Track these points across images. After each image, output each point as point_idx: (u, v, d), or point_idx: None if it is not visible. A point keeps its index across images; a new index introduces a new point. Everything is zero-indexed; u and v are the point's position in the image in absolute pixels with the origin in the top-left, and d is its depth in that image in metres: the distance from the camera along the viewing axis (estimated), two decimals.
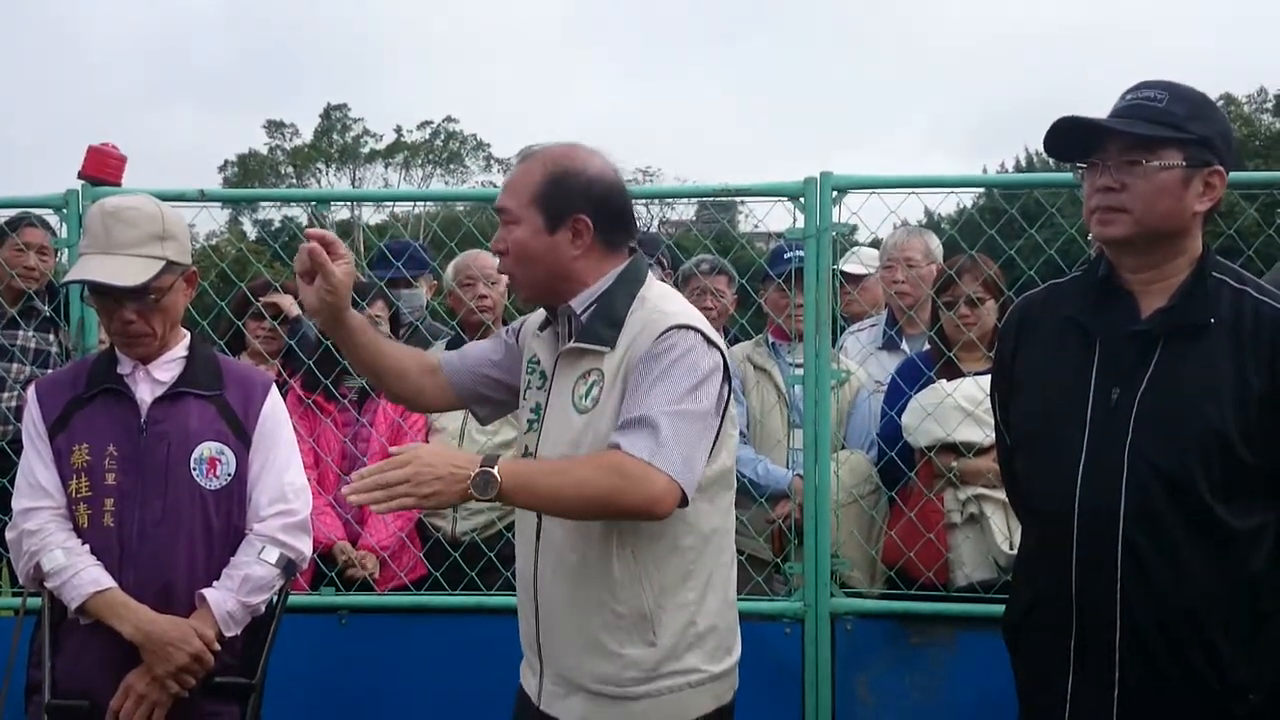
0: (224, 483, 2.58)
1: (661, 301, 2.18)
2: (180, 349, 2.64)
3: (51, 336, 4.29)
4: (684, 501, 2.01)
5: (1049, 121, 2.13)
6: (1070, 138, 2.16)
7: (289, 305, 4.32)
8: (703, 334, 2.10)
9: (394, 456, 1.92)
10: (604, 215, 2.18)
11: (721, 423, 2.15)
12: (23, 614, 2.82)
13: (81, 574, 2.47)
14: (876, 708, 3.41)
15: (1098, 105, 2.20)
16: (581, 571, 2.13)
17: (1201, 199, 2.12)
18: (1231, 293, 2.12)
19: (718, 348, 2.13)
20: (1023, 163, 37.95)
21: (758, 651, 3.28)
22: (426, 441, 3.81)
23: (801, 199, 3.40)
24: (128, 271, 2.50)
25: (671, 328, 2.09)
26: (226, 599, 2.53)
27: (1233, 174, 2.17)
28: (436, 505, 1.95)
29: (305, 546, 2.68)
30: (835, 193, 3.38)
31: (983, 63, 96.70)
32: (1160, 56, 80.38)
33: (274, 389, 2.73)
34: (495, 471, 1.91)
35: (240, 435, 2.61)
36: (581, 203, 2.16)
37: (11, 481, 3.58)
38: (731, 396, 2.20)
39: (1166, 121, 2.08)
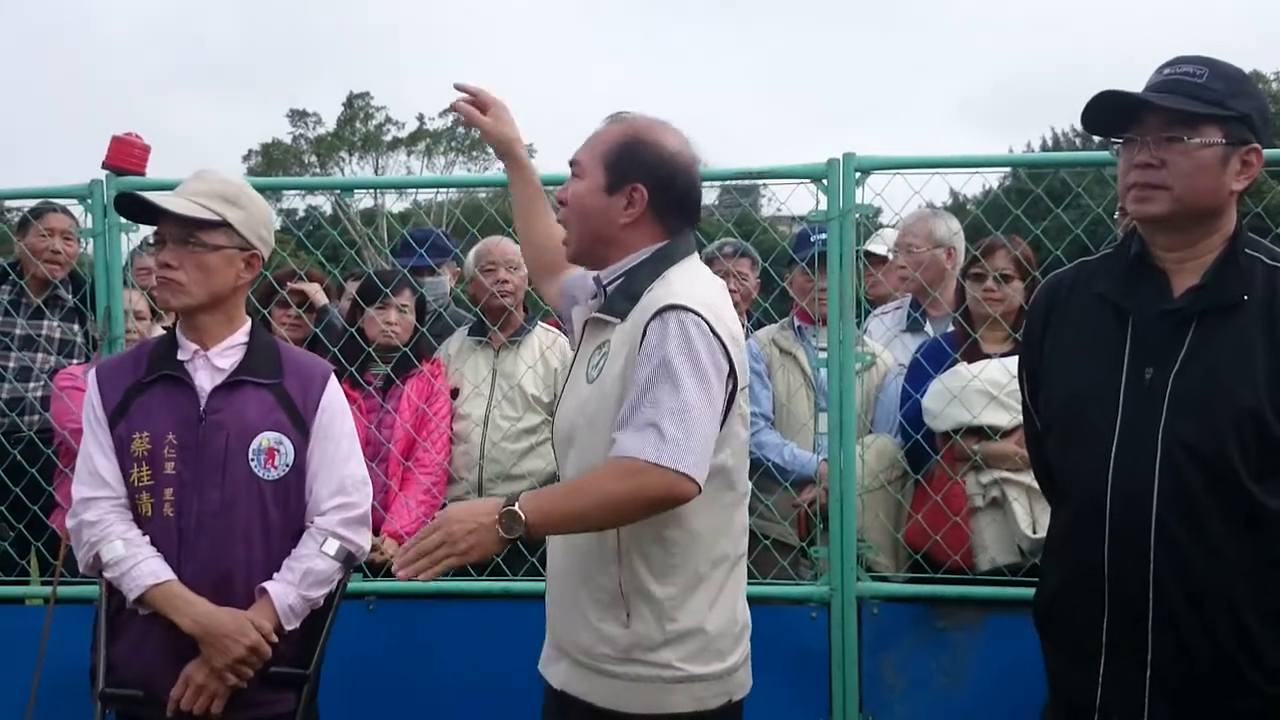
0: (282, 473, 2.57)
1: (678, 283, 2.14)
2: (240, 335, 2.63)
3: (76, 326, 4.31)
4: (699, 488, 2.02)
5: (1075, 98, 2.10)
6: (1107, 113, 2.13)
7: (315, 293, 4.34)
8: (701, 316, 2.06)
9: (427, 526, 2.02)
10: (663, 193, 2.19)
11: (727, 414, 2.11)
12: (53, 603, 2.85)
13: (140, 565, 2.47)
14: (903, 691, 3.39)
15: (1124, 84, 2.16)
16: (575, 542, 2.18)
17: (1239, 177, 2.09)
18: (1265, 270, 2.09)
19: (718, 335, 2.07)
20: (1049, 142, 37.61)
21: (784, 636, 3.30)
22: (452, 428, 3.84)
23: (824, 180, 3.37)
24: (177, 206, 2.53)
25: (665, 308, 2.06)
26: (288, 592, 2.53)
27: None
28: (479, 556, 2.01)
29: (365, 540, 2.68)
30: (858, 174, 3.35)
31: (1008, 38, 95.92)
32: (1187, 33, 79.33)
33: (333, 379, 2.70)
34: (518, 509, 1.98)
35: (299, 425, 2.59)
36: (644, 174, 2.18)
37: (42, 470, 3.65)
38: (742, 393, 2.16)
39: (1206, 98, 2.05)
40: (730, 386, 2.11)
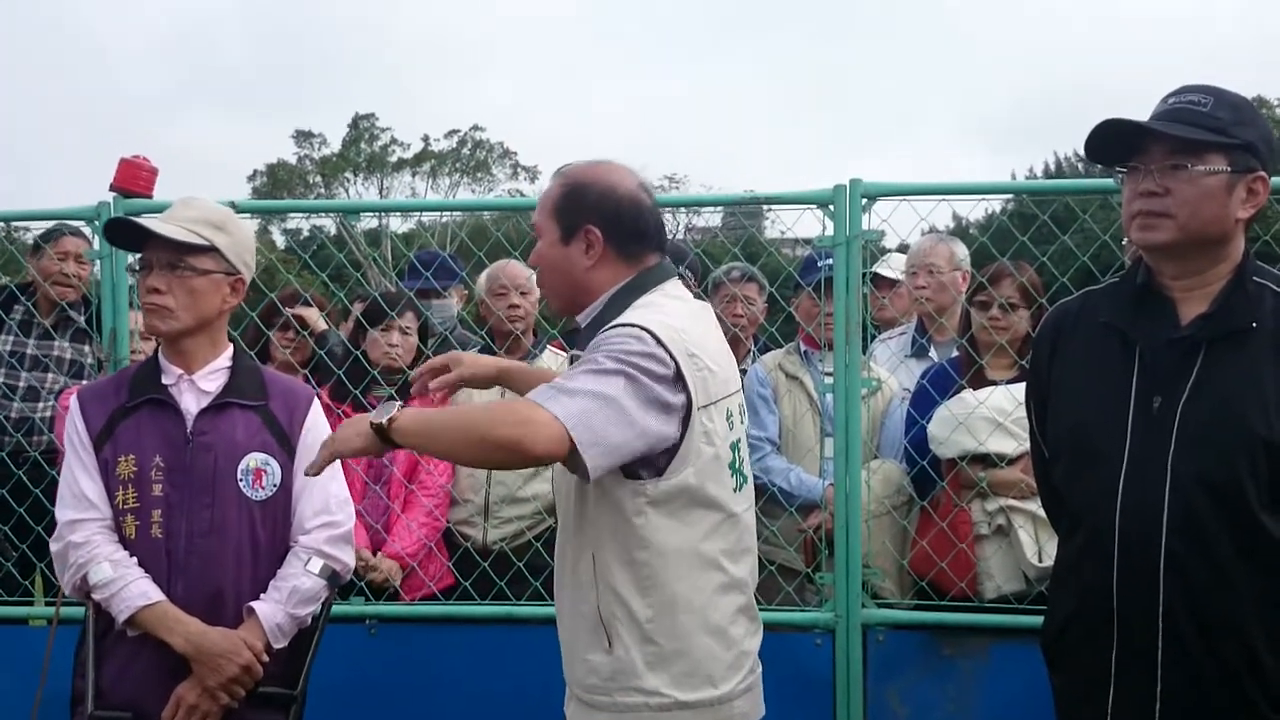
0: (270, 493, 2.58)
1: (637, 308, 2.17)
2: (224, 359, 2.64)
3: (86, 347, 4.32)
4: (573, 451, 1.95)
5: (1078, 123, 2.11)
6: (1110, 141, 2.14)
7: (315, 319, 4.33)
8: (644, 329, 2.08)
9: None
10: (614, 227, 2.22)
11: (684, 436, 2.09)
12: (55, 624, 2.84)
13: (130, 587, 2.47)
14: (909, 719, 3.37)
15: (1127, 110, 2.18)
16: (565, 575, 2.22)
17: (1244, 205, 2.09)
18: (1274, 298, 2.09)
19: (664, 345, 2.06)
20: (1051, 166, 37.71)
21: (789, 662, 3.27)
22: None
23: (831, 206, 3.38)
24: (167, 230, 2.54)
25: (615, 325, 2.11)
26: (275, 611, 2.54)
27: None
28: (355, 450, 2.11)
29: (349, 558, 2.69)
30: (865, 200, 3.36)
31: (1011, 63, 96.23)
32: (1191, 59, 79.44)
33: (317, 401, 2.73)
34: (396, 409, 2.06)
35: (285, 446, 2.61)
36: (591, 215, 2.22)
37: (46, 491, 3.65)
38: (703, 410, 2.12)
39: (1211, 126, 2.06)
40: (683, 398, 2.08)
